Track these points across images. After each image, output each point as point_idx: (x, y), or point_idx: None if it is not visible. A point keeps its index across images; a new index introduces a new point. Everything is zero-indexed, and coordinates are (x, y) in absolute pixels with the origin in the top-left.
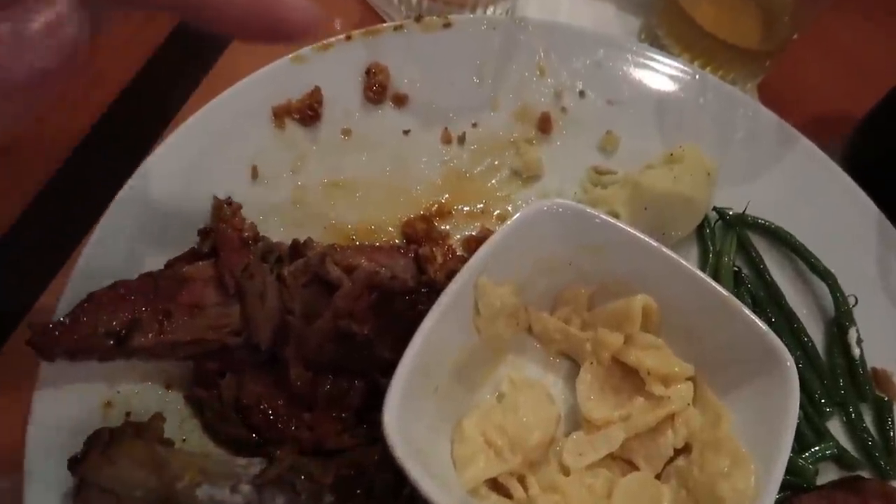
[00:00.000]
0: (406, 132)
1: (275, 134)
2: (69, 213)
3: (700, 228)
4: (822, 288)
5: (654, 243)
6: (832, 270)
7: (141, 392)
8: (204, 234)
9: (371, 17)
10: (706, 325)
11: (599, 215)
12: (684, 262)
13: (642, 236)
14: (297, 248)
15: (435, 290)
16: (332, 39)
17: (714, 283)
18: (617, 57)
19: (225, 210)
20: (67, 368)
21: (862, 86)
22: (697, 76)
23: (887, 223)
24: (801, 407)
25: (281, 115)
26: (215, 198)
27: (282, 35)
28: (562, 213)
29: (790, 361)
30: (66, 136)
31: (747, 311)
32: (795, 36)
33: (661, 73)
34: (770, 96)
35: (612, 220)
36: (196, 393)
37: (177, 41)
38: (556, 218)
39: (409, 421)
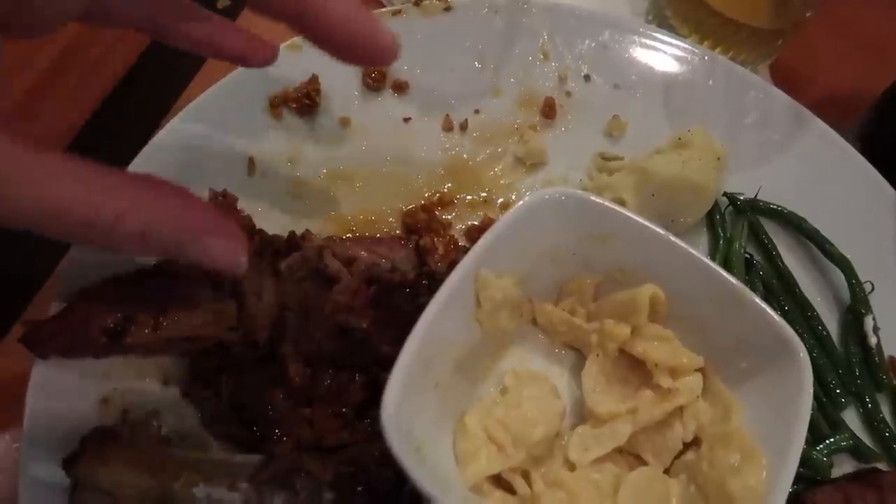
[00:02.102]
0: (406, 120)
1: (271, 124)
2: None
3: (710, 215)
4: (837, 274)
5: (662, 231)
6: (847, 256)
7: (138, 389)
8: None
9: (370, 1)
10: (716, 315)
11: (604, 203)
12: (693, 251)
13: (649, 224)
14: (295, 242)
15: (436, 282)
16: None
17: (724, 272)
18: (623, 39)
19: (221, 203)
20: (62, 366)
21: (877, 64)
22: (707, 57)
23: None
24: (816, 397)
25: (277, 104)
26: (211, 190)
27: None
28: (565, 201)
29: (803, 352)
30: (62, 127)
31: (758, 301)
32: (808, 14)
33: (669, 56)
34: (782, 77)
35: (618, 208)
36: (193, 389)
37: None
38: (560, 206)
39: (408, 416)
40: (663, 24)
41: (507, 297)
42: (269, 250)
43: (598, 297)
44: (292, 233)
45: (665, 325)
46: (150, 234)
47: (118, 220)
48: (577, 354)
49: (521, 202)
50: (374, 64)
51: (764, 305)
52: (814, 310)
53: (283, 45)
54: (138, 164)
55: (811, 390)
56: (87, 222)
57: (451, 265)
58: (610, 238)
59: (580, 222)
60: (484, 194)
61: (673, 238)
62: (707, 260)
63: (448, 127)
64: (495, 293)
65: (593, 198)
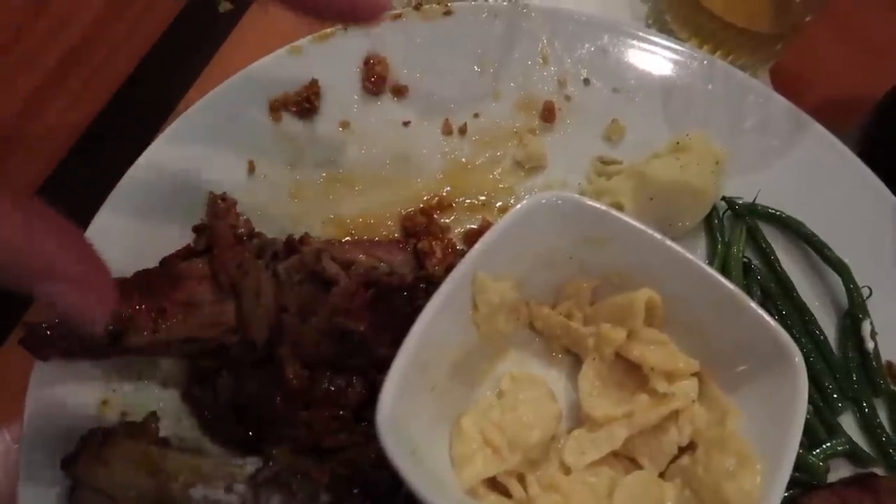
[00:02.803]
0: (406, 124)
1: (272, 127)
2: (65, 210)
3: (708, 219)
4: (835, 279)
5: (658, 236)
6: (845, 261)
7: (137, 390)
8: (199, 230)
9: None
10: (712, 319)
11: (601, 207)
12: (689, 255)
13: (646, 228)
14: (293, 245)
15: (434, 285)
16: (330, 30)
17: (720, 277)
18: (622, 43)
19: (220, 206)
20: (63, 367)
21: (878, 67)
22: (706, 62)
23: None
24: (813, 401)
25: (277, 108)
26: (210, 193)
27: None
28: (562, 205)
29: (799, 357)
30: (65, 129)
31: (755, 306)
32: (808, 18)
33: (668, 60)
34: (783, 80)
35: (615, 212)
36: (192, 391)
37: (175, 34)
38: (556, 210)
39: (404, 419)
40: (663, 28)
41: (504, 300)
42: (268, 253)
43: (594, 300)
44: (290, 236)
45: (661, 330)
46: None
47: None
48: (574, 358)
49: (518, 206)
50: (357, 22)
51: (760, 311)
52: (811, 314)
53: (283, 49)
54: (137, 169)
55: (806, 395)
56: None
57: (449, 269)
58: (607, 242)
59: (577, 226)
60: (483, 198)
61: (669, 242)
62: (703, 264)
63: (447, 131)
64: (492, 296)
65: (590, 202)
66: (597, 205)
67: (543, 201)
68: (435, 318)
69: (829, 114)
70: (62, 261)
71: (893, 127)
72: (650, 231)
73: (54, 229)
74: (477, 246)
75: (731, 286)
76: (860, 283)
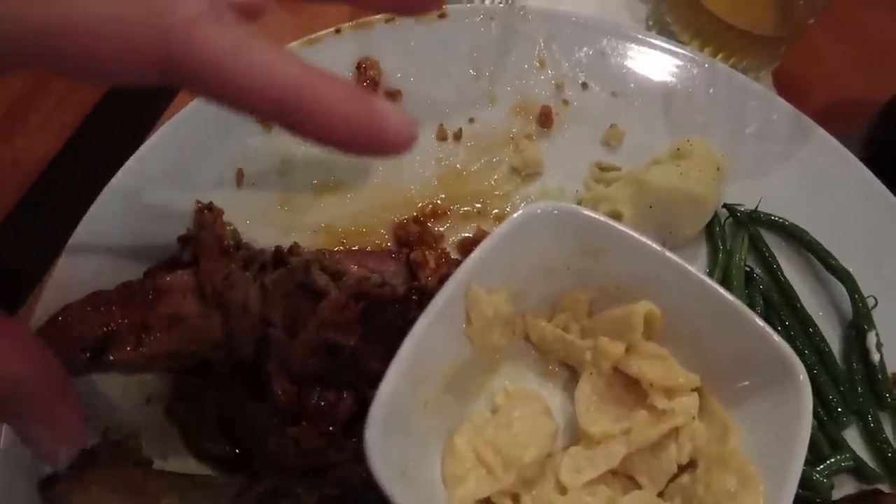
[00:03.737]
0: None
1: (261, 135)
2: (48, 220)
3: (709, 227)
4: (840, 288)
5: (657, 247)
6: (850, 270)
7: (119, 407)
8: (184, 241)
9: (366, 9)
10: (713, 333)
11: (598, 217)
12: (689, 267)
13: (644, 239)
14: (282, 255)
15: (426, 297)
16: (321, 33)
17: (721, 289)
18: (622, 46)
19: (206, 216)
20: None
21: (883, 70)
22: (707, 65)
23: None
24: (817, 416)
25: None
26: (197, 203)
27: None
28: (558, 215)
29: (803, 374)
30: (52, 132)
31: (757, 319)
32: (812, 20)
33: (668, 63)
34: (786, 83)
35: (612, 223)
36: (176, 407)
37: None
38: (553, 221)
39: (394, 438)
40: (664, 30)
41: (498, 313)
42: (256, 265)
43: (592, 312)
44: (279, 247)
45: (661, 343)
46: None
47: None
48: (571, 372)
49: (512, 216)
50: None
51: (763, 324)
52: (815, 325)
53: None
54: (122, 178)
55: (811, 413)
56: None
57: (443, 279)
58: (604, 253)
59: (574, 236)
60: (478, 205)
61: (668, 254)
62: (704, 276)
63: (442, 136)
64: (486, 309)
65: (587, 212)
66: (594, 215)
67: (539, 211)
68: (427, 332)
69: (833, 117)
70: (36, 397)
71: None
72: (648, 242)
73: (30, 357)
74: (471, 258)
75: (731, 298)
76: (865, 292)
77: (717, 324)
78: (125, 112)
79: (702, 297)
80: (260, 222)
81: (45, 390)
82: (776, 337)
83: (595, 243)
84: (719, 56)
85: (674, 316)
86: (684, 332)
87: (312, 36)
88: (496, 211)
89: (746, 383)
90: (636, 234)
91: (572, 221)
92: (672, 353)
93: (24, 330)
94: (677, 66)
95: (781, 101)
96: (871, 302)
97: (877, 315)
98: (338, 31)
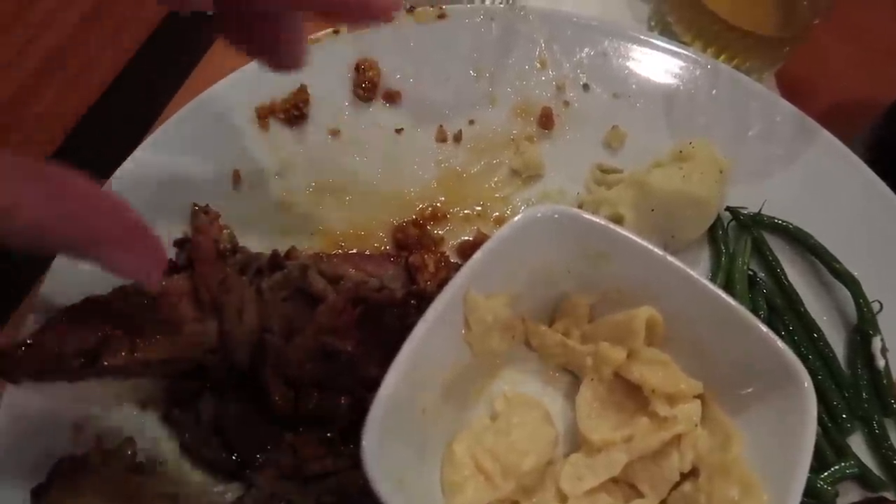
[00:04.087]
0: (399, 131)
1: (259, 136)
2: None
3: (712, 230)
4: (844, 293)
5: (659, 251)
6: (855, 274)
7: (114, 413)
8: (180, 245)
9: None
10: (716, 339)
11: (599, 221)
12: (692, 272)
13: (646, 244)
14: (278, 259)
15: (426, 301)
16: (320, 34)
17: (724, 294)
18: (623, 47)
19: (202, 219)
20: (35, 390)
21: (888, 70)
22: (710, 66)
23: None
24: (821, 422)
25: (265, 115)
26: (193, 205)
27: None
28: (558, 219)
29: (808, 381)
30: (51, 129)
31: (761, 325)
32: (816, 21)
33: (671, 64)
34: (789, 84)
35: (613, 227)
36: (172, 413)
37: (159, 41)
38: (553, 225)
39: (392, 444)
40: (665, 30)
41: (498, 318)
42: (252, 269)
43: (593, 317)
44: (275, 251)
45: (663, 349)
46: (46, 231)
47: (13, 209)
48: (572, 377)
49: (512, 221)
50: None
51: (766, 329)
52: (819, 330)
53: None
54: (118, 179)
55: (815, 421)
56: None
57: (442, 284)
58: (606, 257)
59: (574, 241)
60: (479, 208)
61: (670, 258)
62: (706, 282)
63: (442, 138)
64: (485, 315)
65: (588, 216)
66: (595, 219)
67: (539, 215)
68: (426, 338)
69: (837, 119)
70: (102, 225)
71: None
72: (650, 246)
73: (83, 194)
74: (469, 263)
75: (734, 304)
76: (871, 296)
77: (719, 329)
78: (121, 113)
79: (704, 303)
80: (257, 225)
81: (127, 223)
82: (780, 343)
83: (596, 247)
84: (722, 57)
85: (676, 321)
86: (686, 337)
87: (312, 36)
88: (497, 213)
89: (750, 390)
90: (638, 239)
91: (573, 225)
92: (674, 359)
93: (64, 168)
94: (679, 68)
95: (784, 103)
96: (876, 307)
97: (882, 320)
98: (336, 31)
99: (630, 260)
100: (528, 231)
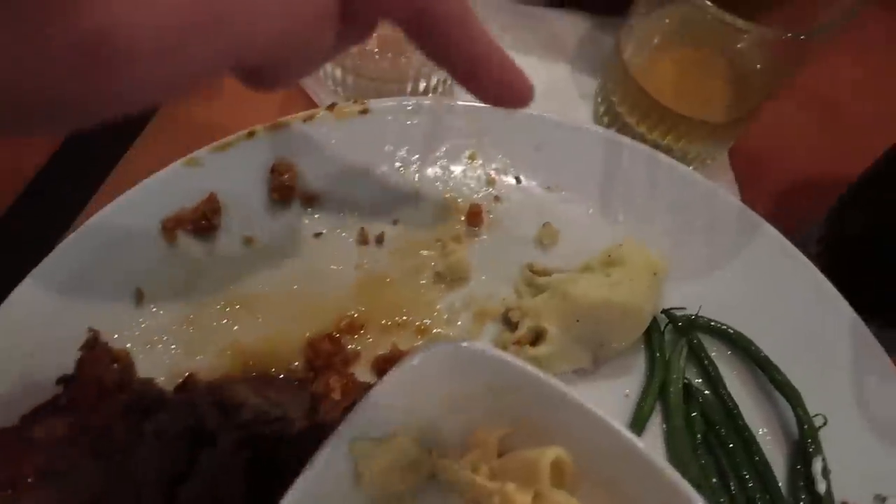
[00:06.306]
0: (317, 235)
1: (165, 249)
2: None
3: (648, 332)
4: (787, 404)
5: (563, 388)
6: (798, 385)
7: None
8: (64, 382)
9: (299, 99)
10: (628, 480)
11: (503, 357)
12: (595, 410)
13: (550, 381)
14: (164, 397)
15: (328, 431)
16: (231, 137)
17: (632, 436)
18: (559, 138)
19: (85, 356)
20: None
21: (851, 144)
22: (649, 156)
23: (863, 328)
24: None
25: (171, 227)
26: (88, 329)
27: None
28: (459, 354)
29: None
30: None
31: (655, 457)
32: (770, 99)
33: (608, 155)
34: (743, 159)
35: (517, 363)
36: None
37: (70, 149)
38: (454, 360)
39: None
40: (610, 109)
41: (399, 458)
42: (139, 408)
43: (505, 450)
44: (160, 389)
45: (575, 491)
46: None
47: None
48: None
49: (407, 359)
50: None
51: (665, 465)
52: (758, 445)
53: (179, 161)
54: (10, 304)
55: None
56: None
57: (347, 409)
58: (512, 392)
59: (479, 375)
60: (402, 318)
61: (574, 396)
62: (612, 421)
63: (363, 240)
64: (380, 460)
65: (491, 351)
66: (498, 354)
67: (437, 352)
68: (310, 489)
69: (792, 198)
70: None
71: (854, 226)
72: (554, 384)
73: None
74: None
75: (637, 442)
76: (815, 408)
77: (631, 472)
78: (29, 226)
79: (613, 443)
80: (161, 346)
81: None
82: (691, 491)
83: (502, 382)
84: (668, 139)
85: (588, 461)
86: (600, 478)
87: (222, 141)
88: (419, 322)
89: None
90: (542, 375)
91: (475, 359)
92: (586, 499)
93: None
94: (618, 159)
95: (727, 196)
96: (819, 420)
97: (826, 434)
98: (251, 134)
99: (536, 395)
100: (428, 368)
